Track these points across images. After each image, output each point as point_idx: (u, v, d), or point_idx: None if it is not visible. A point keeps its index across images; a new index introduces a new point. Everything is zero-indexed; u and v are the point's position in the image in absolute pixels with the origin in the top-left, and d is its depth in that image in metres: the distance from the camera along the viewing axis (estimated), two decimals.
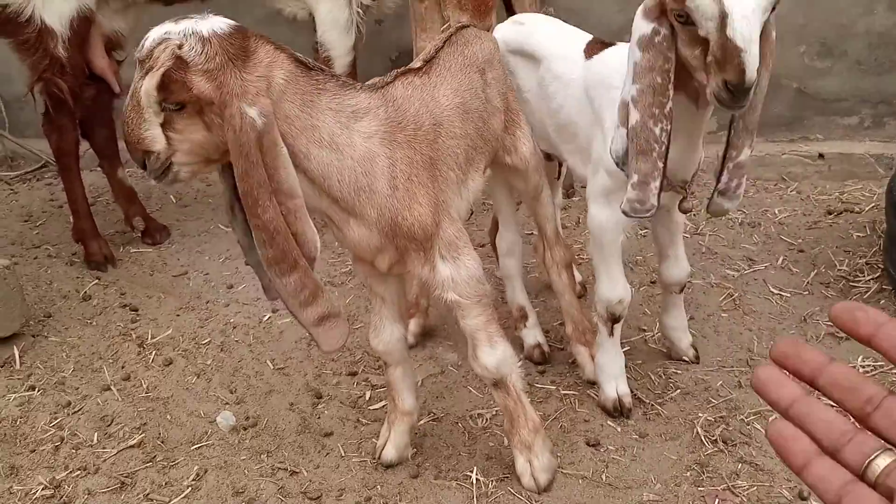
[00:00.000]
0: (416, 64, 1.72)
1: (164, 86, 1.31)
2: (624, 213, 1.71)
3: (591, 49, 2.01)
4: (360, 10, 3.01)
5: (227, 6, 3.06)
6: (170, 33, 1.34)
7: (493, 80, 1.92)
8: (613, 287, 2.04)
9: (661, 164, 1.63)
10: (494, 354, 1.78)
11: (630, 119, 1.64)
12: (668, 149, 1.63)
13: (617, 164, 1.75)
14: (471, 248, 1.72)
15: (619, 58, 1.81)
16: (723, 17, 1.44)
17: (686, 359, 2.38)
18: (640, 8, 1.65)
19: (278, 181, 1.37)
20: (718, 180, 1.80)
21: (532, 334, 2.45)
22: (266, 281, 1.55)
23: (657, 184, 1.65)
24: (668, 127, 1.62)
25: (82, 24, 2.93)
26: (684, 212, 1.91)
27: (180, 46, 1.31)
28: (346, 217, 1.58)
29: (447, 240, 1.66)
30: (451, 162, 1.67)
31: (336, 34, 2.96)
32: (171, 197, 3.89)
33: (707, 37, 1.49)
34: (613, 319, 2.09)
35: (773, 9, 1.52)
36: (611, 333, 2.12)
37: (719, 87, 1.50)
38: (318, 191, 1.52)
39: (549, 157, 2.33)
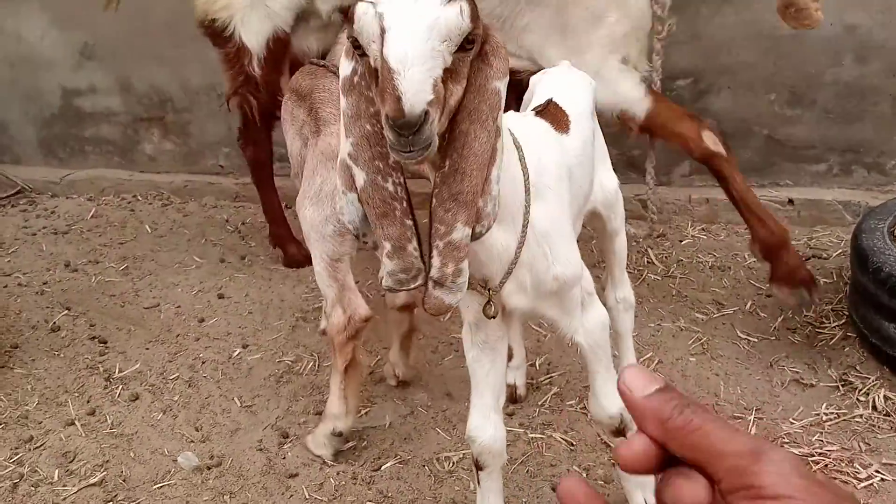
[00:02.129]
0: None
1: None
2: (390, 289, 1.38)
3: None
4: None
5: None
6: None
7: None
8: (470, 419, 1.68)
9: (409, 222, 1.34)
10: None
11: (357, 181, 1.34)
12: (409, 201, 1.35)
13: (357, 237, 1.47)
14: None
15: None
16: (383, 35, 1.14)
17: None
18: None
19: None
20: (429, 266, 1.34)
21: (511, 374, 2.42)
22: None
23: (415, 244, 1.34)
24: (402, 178, 1.33)
25: (277, 45, 2.98)
26: (488, 317, 1.54)
27: None
28: None
29: None
30: None
31: None
32: (147, 227, 3.88)
33: (376, 66, 1.17)
34: (476, 463, 1.72)
35: (471, 45, 1.20)
36: (478, 482, 1.75)
37: (385, 125, 1.16)
38: None
39: None
